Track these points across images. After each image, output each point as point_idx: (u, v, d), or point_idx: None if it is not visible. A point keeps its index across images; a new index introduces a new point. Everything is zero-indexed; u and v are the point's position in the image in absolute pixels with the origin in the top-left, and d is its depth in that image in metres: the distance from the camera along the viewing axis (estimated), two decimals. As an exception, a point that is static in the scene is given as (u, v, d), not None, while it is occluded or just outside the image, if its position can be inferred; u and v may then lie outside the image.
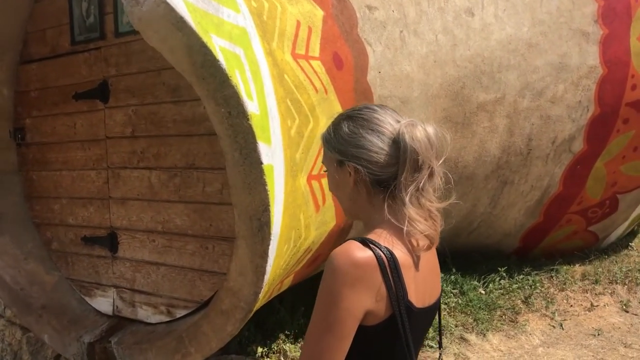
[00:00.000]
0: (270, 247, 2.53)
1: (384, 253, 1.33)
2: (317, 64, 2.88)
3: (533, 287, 4.50)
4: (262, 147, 2.31)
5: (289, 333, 3.74)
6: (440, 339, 1.74)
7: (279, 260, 2.73)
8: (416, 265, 1.45)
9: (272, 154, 2.40)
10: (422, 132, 1.39)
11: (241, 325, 2.81)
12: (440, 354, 1.73)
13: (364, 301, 1.31)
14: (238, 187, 2.39)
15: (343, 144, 1.44)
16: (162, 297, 3.35)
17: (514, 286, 4.51)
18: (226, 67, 2.13)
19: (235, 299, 2.72)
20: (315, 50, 2.89)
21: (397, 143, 1.38)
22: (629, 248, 5.43)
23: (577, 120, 4.33)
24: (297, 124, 2.65)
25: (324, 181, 2.96)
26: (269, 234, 2.48)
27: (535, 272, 4.72)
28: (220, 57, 2.12)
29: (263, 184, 2.34)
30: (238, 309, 2.74)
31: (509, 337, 3.98)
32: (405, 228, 1.38)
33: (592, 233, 5.11)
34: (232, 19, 2.33)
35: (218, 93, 2.17)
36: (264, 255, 2.53)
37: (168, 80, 3.19)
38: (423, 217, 1.42)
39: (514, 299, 4.36)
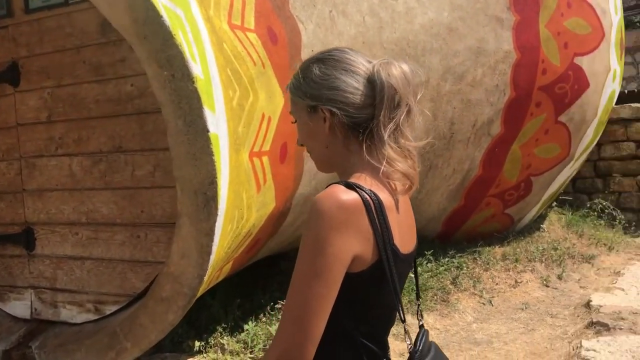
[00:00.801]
0: (217, 224, 2.39)
1: (369, 195, 1.27)
2: (253, 37, 2.77)
3: (459, 268, 4.60)
4: (208, 114, 2.18)
5: (225, 326, 3.58)
6: (418, 290, 1.70)
7: (223, 241, 2.58)
8: (397, 208, 1.40)
9: (216, 122, 2.27)
10: (398, 69, 1.35)
11: (183, 313, 2.64)
12: (418, 305, 1.68)
13: (352, 245, 1.24)
14: (181, 159, 2.23)
15: (315, 88, 1.36)
16: (89, 294, 3.09)
17: (441, 268, 4.59)
18: (170, 25, 1.99)
19: (177, 284, 2.55)
20: (251, 22, 2.79)
21: (372, 82, 1.33)
22: (541, 230, 5.70)
23: (495, 104, 4.49)
24: (238, 95, 2.53)
25: (265, 159, 2.86)
26: (216, 209, 2.34)
27: (460, 254, 4.83)
28: (164, 14, 1.97)
29: (210, 153, 2.21)
30: (180, 295, 2.57)
31: (443, 316, 4.03)
32: (383, 168, 1.32)
33: (508, 216, 5.32)
34: (171, -21, 2.18)
35: (161, 54, 2.02)
36: (210, 233, 2.39)
37: (89, 58, 2.97)
38: (402, 156, 1.37)
39: (443, 280, 4.43)
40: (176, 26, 2.04)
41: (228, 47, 2.52)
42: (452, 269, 4.60)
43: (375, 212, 1.27)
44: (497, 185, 4.96)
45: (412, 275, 1.66)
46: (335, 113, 1.33)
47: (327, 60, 1.38)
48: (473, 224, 5.20)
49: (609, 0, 4.97)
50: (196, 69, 2.10)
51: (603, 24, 4.82)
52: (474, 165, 4.72)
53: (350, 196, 1.23)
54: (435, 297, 4.23)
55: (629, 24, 10.70)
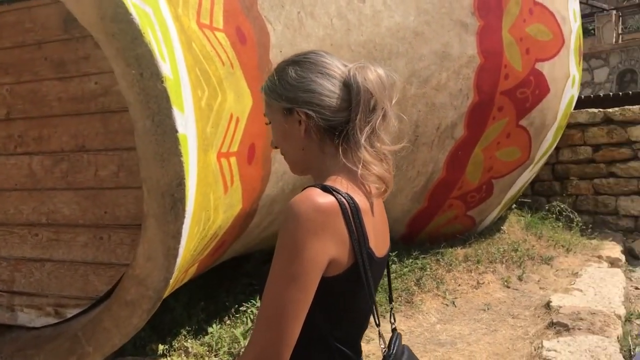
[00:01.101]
0: (184, 226, 2.35)
1: (345, 198, 1.27)
2: (221, 36, 2.74)
3: (423, 269, 4.65)
4: (177, 114, 2.14)
5: (189, 329, 3.53)
6: (390, 293, 1.70)
7: (190, 243, 2.55)
8: (372, 211, 1.41)
9: (185, 123, 2.23)
10: (373, 73, 1.37)
11: (148, 317, 2.59)
12: (391, 308, 1.68)
13: (328, 249, 1.24)
14: (149, 159, 2.19)
15: (291, 90, 1.35)
16: (49, 297, 3.00)
17: (405, 270, 4.62)
18: (140, 23, 1.94)
19: (143, 287, 2.50)
20: (219, 21, 2.76)
21: (348, 86, 1.34)
22: (501, 231, 5.81)
23: (458, 108, 4.55)
24: (207, 95, 2.50)
25: (233, 160, 2.83)
26: (184, 211, 2.30)
27: (423, 255, 4.88)
28: (132, 11, 1.93)
29: (178, 154, 2.17)
30: (145, 299, 2.51)
31: (407, 317, 4.07)
32: (359, 171, 1.32)
33: (470, 217, 5.40)
34: (139, -24, 2.14)
35: (129, 52, 1.97)
36: (177, 236, 2.35)
37: (51, 55, 2.89)
38: (377, 159, 1.38)
39: (407, 281, 4.46)
40: (145, 24, 2.00)
41: (197, 47, 2.49)
42: (415, 270, 4.64)
43: (352, 216, 1.27)
44: (459, 188, 5.03)
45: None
46: (311, 116, 1.32)
47: (303, 62, 1.37)
48: (436, 225, 5.26)
49: (568, 7, 5.10)
50: (165, 68, 2.06)
51: (563, 31, 4.95)
52: (437, 167, 4.78)
53: (326, 199, 1.23)
54: (399, 299, 4.26)
55: (584, 31, 11.02)
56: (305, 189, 1.27)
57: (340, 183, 1.30)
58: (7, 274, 3.12)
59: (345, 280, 1.30)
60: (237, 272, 4.38)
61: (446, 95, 4.46)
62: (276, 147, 1.45)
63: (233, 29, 2.88)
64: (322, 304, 1.28)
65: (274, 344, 1.19)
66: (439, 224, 5.28)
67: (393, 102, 1.43)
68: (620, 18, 15.88)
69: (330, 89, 1.33)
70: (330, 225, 1.23)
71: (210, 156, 2.56)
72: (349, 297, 1.36)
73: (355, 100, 1.32)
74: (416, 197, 4.91)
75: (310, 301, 1.22)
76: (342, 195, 1.26)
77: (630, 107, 6.45)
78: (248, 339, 3.39)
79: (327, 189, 1.25)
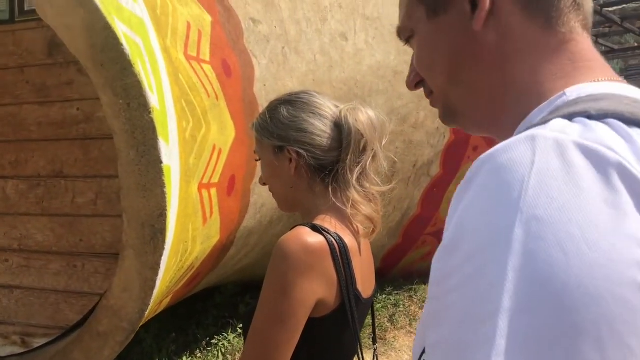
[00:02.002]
0: (163, 258, 2.33)
1: (334, 238, 1.28)
2: (208, 68, 2.76)
3: (396, 306, 4.65)
4: (162, 145, 2.14)
5: (158, 361, 3.46)
6: (374, 334, 1.71)
7: (167, 275, 2.51)
8: (360, 251, 1.42)
9: (170, 154, 2.22)
10: (365, 115, 1.41)
11: (121, 349, 2.53)
12: (374, 349, 1.68)
13: (317, 290, 1.24)
14: (131, 190, 2.17)
15: (283, 129, 1.37)
16: (16, 325, 2.91)
17: (378, 306, 4.62)
18: (130, 54, 1.95)
19: (116, 318, 2.45)
20: (206, 54, 2.78)
21: (339, 126, 1.37)
22: (473, 269, 5.85)
23: (435, 146, 4.63)
24: (191, 127, 2.50)
25: (214, 191, 2.82)
26: (163, 242, 2.28)
27: (396, 292, 4.89)
28: (123, 41, 1.93)
29: (161, 185, 2.16)
30: (119, 330, 2.46)
31: (380, 354, 4.05)
32: (348, 211, 1.34)
33: (443, 255, 5.44)
34: (130, 7, 2.15)
35: (117, 82, 1.97)
36: (155, 267, 2.32)
37: (33, 79, 2.87)
38: (366, 199, 1.41)
39: (380, 318, 4.45)
40: (135, 55, 2.01)
41: (183, 78, 2.50)
42: (389, 307, 4.64)
43: (340, 257, 1.28)
44: (433, 224, 5.08)
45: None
46: (302, 154, 1.34)
47: (295, 102, 1.39)
48: (410, 261, 5.29)
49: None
50: (153, 99, 2.06)
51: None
52: (413, 204, 4.82)
53: (316, 239, 1.24)
54: (372, 335, 4.24)
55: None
56: (294, 227, 1.28)
57: (329, 222, 1.31)
58: (-26, 300, 3.02)
59: (331, 321, 1.30)
60: (207, 304, 4.32)
61: (423, 134, 4.53)
62: (264, 184, 1.46)
63: (219, 62, 2.90)
64: (308, 343, 1.27)
65: None
66: (413, 260, 5.30)
67: (383, 143, 1.46)
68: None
69: (321, 129, 1.36)
70: (319, 265, 1.23)
71: (192, 187, 2.55)
72: (334, 338, 1.36)
73: (346, 140, 1.35)
74: (391, 232, 4.94)
75: (296, 342, 1.21)
76: (331, 235, 1.27)
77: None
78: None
79: (317, 229, 1.26)
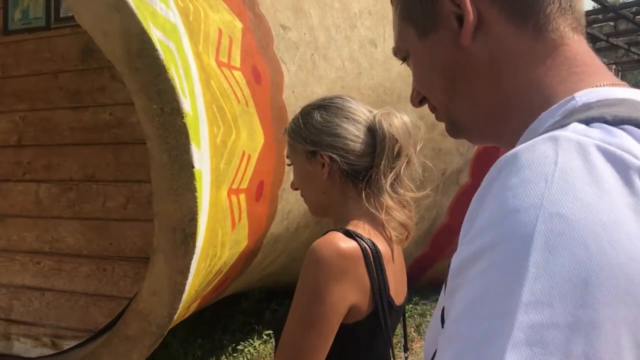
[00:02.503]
0: (193, 262, 2.33)
1: (367, 244, 1.26)
2: (238, 75, 2.77)
3: (423, 316, 4.60)
4: (194, 150, 2.14)
5: (185, 367, 3.46)
6: (406, 342, 1.69)
7: (196, 280, 2.52)
8: (393, 258, 1.41)
9: (201, 158, 2.23)
10: (399, 120, 1.39)
11: (149, 353, 2.54)
12: (406, 357, 1.66)
13: (349, 295, 1.23)
14: (163, 194, 2.18)
15: (316, 134, 1.36)
16: (46, 327, 2.95)
17: (405, 315, 4.57)
18: (164, 59, 1.96)
19: (145, 322, 2.46)
20: (237, 60, 2.79)
21: (372, 131, 1.36)
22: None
23: (464, 154, 4.58)
24: (222, 132, 2.51)
25: (242, 197, 2.82)
26: (194, 247, 2.28)
27: (423, 301, 4.84)
28: (158, 47, 1.95)
29: (192, 190, 2.16)
30: (147, 334, 2.47)
31: (406, 364, 4.00)
32: (382, 217, 1.33)
33: (470, 264, 5.37)
34: (164, 13, 2.17)
35: (152, 87, 1.99)
36: (185, 272, 2.32)
37: (66, 85, 2.91)
38: (400, 205, 1.39)
39: (406, 327, 4.41)
40: (169, 60, 2.02)
41: (215, 84, 2.51)
42: (415, 316, 4.59)
43: (374, 262, 1.27)
44: (461, 234, 5.02)
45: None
46: (335, 159, 1.33)
47: (329, 107, 1.38)
48: (437, 270, 5.23)
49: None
50: (186, 104, 2.08)
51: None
52: (441, 212, 4.78)
53: (349, 245, 1.22)
54: (398, 344, 4.19)
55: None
56: (327, 232, 1.26)
57: (362, 228, 1.30)
58: (6, 302, 3.07)
59: (364, 327, 1.28)
60: (233, 310, 4.32)
61: (452, 142, 4.49)
62: (296, 189, 1.45)
63: (249, 68, 2.91)
64: (340, 350, 1.26)
65: None
66: (440, 270, 5.25)
67: (418, 148, 1.45)
68: (620, 73, 16.17)
69: (355, 134, 1.35)
70: (352, 271, 1.22)
71: (221, 192, 2.55)
72: (366, 345, 1.35)
73: (380, 145, 1.34)
74: (419, 241, 4.90)
75: (329, 348, 1.20)
76: (364, 241, 1.26)
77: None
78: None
79: (350, 234, 1.25)
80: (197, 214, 2.23)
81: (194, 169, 2.15)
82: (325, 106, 1.39)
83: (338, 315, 1.21)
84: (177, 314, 2.48)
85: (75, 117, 2.89)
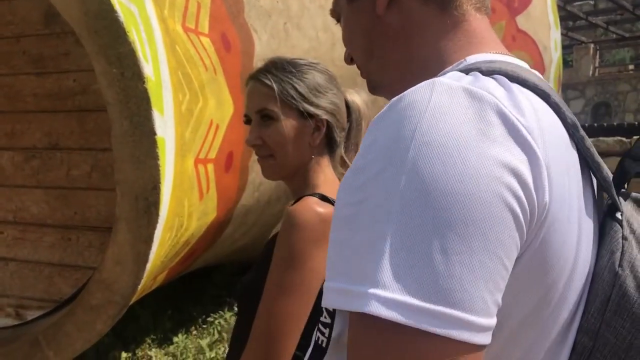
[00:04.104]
0: (156, 231, 2.30)
1: None
2: (206, 41, 2.71)
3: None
4: (157, 117, 2.09)
5: (154, 337, 3.45)
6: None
7: (161, 250, 2.48)
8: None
9: (164, 126, 2.18)
10: (360, 98, 1.45)
11: (113, 323, 2.51)
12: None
13: None
14: (125, 161, 2.13)
15: (319, 96, 1.32)
16: (10, 297, 2.90)
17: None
18: (124, 21, 1.90)
19: (109, 292, 2.42)
20: (205, 27, 2.73)
21: (348, 105, 1.41)
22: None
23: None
24: (188, 99, 2.46)
25: (210, 167, 2.78)
26: (157, 215, 2.24)
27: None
28: (118, 8, 1.89)
29: (155, 157, 2.12)
30: (111, 304, 2.44)
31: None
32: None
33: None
34: (126, -26, 2.10)
35: (111, 50, 1.93)
36: (149, 241, 2.29)
37: (29, 49, 2.82)
38: None
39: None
40: (130, 23, 1.96)
41: (180, 50, 2.45)
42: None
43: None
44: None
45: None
46: (332, 126, 1.33)
47: (325, 72, 1.36)
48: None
49: (550, 37, 5.19)
50: (147, 69, 2.02)
51: (544, 60, 5.02)
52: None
53: (327, 209, 1.21)
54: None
55: (562, 63, 11.23)
56: (301, 198, 1.24)
57: (331, 194, 1.28)
58: (-32, 272, 3.01)
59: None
60: (204, 282, 4.31)
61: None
62: (253, 146, 1.35)
63: (218, 35, 2.85)
64: (317, 313, 1.24)
65: (271, 358, 1.14)
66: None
67: None
68: (598, 52, 16.26)
69: (344, 106, 1.38)
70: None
71: (187, 161, 2.51)
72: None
73: (354, 120, 1.39)
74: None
75: (308, 314, 1.18)
76: None
77: (605, 138, 6.57)
78: (216, 350, 3.33)
79: (326, 198, 1.24)
80: (160, 182, 2.19)
81: (156, 136, 2.10)
82: (321, 70, 1.35)
83: (318, 280, 1.18)
84: (141, 284, 2.45)
85: (39, 83, 2.81)
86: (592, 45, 15.63)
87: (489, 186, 0.52)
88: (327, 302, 0.55)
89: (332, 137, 1.32)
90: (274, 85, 1.27)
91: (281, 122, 1.28)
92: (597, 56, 16.22)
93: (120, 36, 1.92)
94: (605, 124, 7.70)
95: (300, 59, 1.37)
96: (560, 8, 10.23)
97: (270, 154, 1.33)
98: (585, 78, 15.81)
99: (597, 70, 16.15)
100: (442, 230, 0.51)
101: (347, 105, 1.36)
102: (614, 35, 14.72)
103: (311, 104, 1.28)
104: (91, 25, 1.90)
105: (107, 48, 1.94)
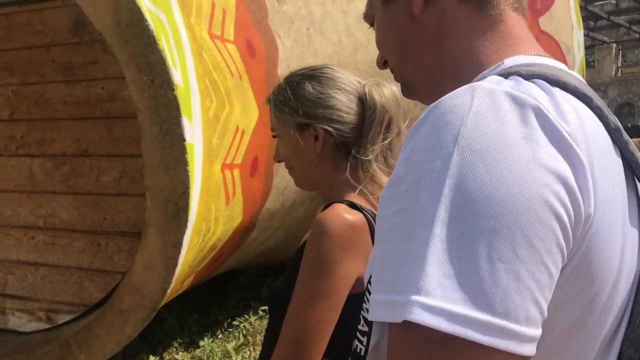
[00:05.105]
0: (185, 236, 2.33)
1: (370, 215, 1.25)
2: (232, 48, 2.74)
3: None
4: (185, 123, 2.13)
5: (180, 341, 3.48)
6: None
7: (189, 254, 2.51)
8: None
9: (192, 132, 2.22)
10: (389, 90, 1.36)
11: (142, 327, 2.55)
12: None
13: (358, 266, 1.22)
14: (154, 167, 2.17)
15: (309, 106, 1.33)
16: (41, 302, 2.96)
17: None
18: (154, 30, 1.94)
19: (139, 296, 2.46)
20: (230, 33, 2.76)
21: (363, 102, 1.33)
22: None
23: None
24: (215, 106, 2.49)
25: (236, 172, 2.81)
26: (186, 220, 2.27)
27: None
28: (148, 17, 1.92)
29: (184, 163, 2.15)
30: (140, 308, 2.48)
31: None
32: (371, 188, 1.32)
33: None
34: (155, -17, 2.13)
35: (142, 58, 1.96)
36: (177, 245, 2.32)
37: (59, 58, 2.88)
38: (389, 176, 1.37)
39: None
40: (159, 31, 1.99)
41: (207, 57, 2.48)
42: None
43: (378, 232, 1.26)
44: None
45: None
46: (330, 132, 1.30)
47: (320, 77, 1.35)
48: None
49: (573, 38, 5.15)
50: (177, 76, 2.05)
51: (567, 61, 4.98)
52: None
53: (356, 216, 1.22)
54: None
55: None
56: (329, 205, 1.25)
57: (359, 200, 1.29)
58: (1, 277, 3.07)
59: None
60: (229, 286, 4.34)
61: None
62: (279, 161, 1.42)
63: (243, 42, 2.88)
64: (346, 320, 1.24)
65: None
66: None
67: (408, 119, 1.42)
68: (620, 51, 16.06)
69: (349, 105, 1.33)
70: (359, 242, 1.21)
71: (214, 167, 2.54)
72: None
73: (370, 117, 1.32)
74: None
75: (336, 320, 1.19)
76: (367, 212, 1.25)
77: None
78: (242, 354, 3.35)
79: (354, 205, 1.24)
80: (189, 188, 2.22)
81: (186, 142, 2.13)
82: (316, 76, 1.36)
83: (347, 287, 1.19)
84: (170, 288, 2.48)
85: (68, 91, 2.86)
86: (614, 45, 15.45)
87: (536, 192, 0.51)
88: (373, 315, 0.54)
89: (341, 140, 1.30)
90: (271, 105, 1.35)
91: (284, 138, 1.34)
92: (620, 56, 16.02)
93: (150, 44, 1.95)
94: (629, 125, 7.60)
95: (299, 70, 1.38)
96: (582, 8, 10.14)
97: (290, 167, 1.38)
98: (608, 78, 15.63)
99: (619, 70, 15.96)
100: (488, 237, 0.50)
101: (364, 101, 1.31)
102: (637, 35, 14.52)
103: (303, 115, 1.29)
104: (122, 34, 1.94)
105: (137, 56, 1.97)
